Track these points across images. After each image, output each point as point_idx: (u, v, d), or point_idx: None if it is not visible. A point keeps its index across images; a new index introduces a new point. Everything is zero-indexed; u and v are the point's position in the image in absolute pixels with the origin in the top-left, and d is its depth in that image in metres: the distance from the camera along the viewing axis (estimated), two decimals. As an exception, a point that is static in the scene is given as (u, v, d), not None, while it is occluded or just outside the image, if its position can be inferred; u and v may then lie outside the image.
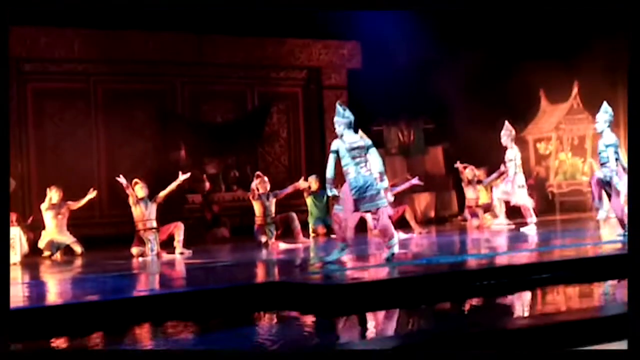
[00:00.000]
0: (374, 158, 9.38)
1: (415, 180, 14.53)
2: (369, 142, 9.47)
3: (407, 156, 18.90)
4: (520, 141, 18.66)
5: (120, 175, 12.25)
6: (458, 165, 15.22)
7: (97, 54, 16.23)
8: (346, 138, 9.29)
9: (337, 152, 9.24)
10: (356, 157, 9.22)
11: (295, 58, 18.40)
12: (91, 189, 13.26)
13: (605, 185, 10.63)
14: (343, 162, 9.25)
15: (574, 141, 18.66)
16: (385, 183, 9.45)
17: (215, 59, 17.56)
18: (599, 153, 10.75)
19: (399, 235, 13.24)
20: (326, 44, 18.64)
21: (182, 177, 12.35)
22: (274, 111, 18.48)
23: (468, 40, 18.20)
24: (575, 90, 18.21)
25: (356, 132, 10.06)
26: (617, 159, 10.58)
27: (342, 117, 9.37)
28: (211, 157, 17.46)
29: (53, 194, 13.02)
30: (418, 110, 19.06)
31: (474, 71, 18.29)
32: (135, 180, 12.22)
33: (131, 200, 12.19)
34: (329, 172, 9.28)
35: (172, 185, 12.31)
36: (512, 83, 17.79)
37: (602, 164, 10.69)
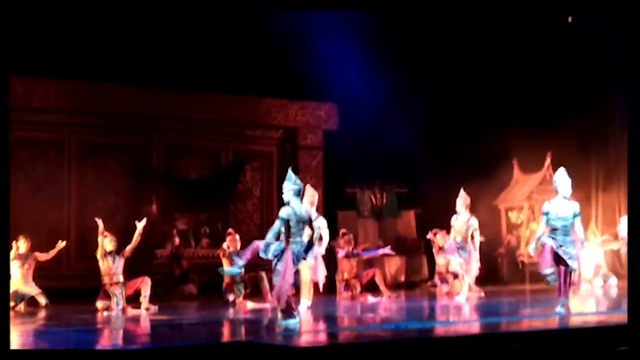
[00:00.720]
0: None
1: (386, 250, 14.52)
2: (313, 215, 9.66)
3: (379, 219, 18.90)
4: (492, 209, 18.80)
5: (100, 220, 12.17)
6: (430, 235, 15.18)
7: (73, 105, 16.18)
8: (294, 206, 9.21)
9: (287, 220, 9.12)
10: (301, 229, 9.19)
11: (272, 117, 18.44)
12: (60, 240, 13.14)
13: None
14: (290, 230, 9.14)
15: (545, 211, 18.73)
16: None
17: (192, 114, 17.54)
18: (556, 220, 10.42)
19: (369, 299, 13.28)
20: (303, 105, 18.71)
21: (140, 225, 12.27)
22: (248, 169, 18.46)
23: (445, 108, 18.39)
24: (548, 161, 18.36)
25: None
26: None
27: (293, 183, 9.30)
28: (183, 212, 17.37)
29: (21, 244, 12.87)
30: (392, 174, 19.14)
31: (450, 138, 18.46)
32: (105, 233, 12.13)
33: (99, 254, 12.09)
34: (273, 236, 9.11)
35: (135, 237, 12.24)
36: (487, 151, 17.94)
37: (564, 231, 10.43)
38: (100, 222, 12.16)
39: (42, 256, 13.10)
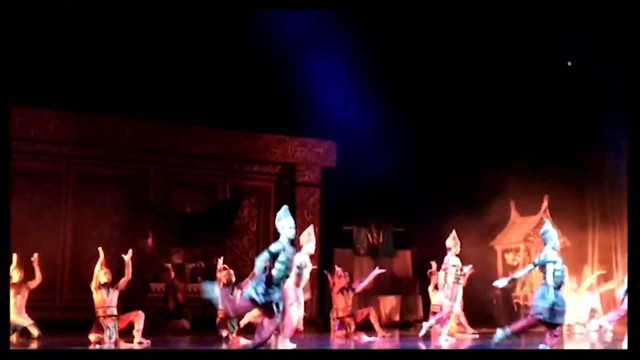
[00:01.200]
0: None
1: (377, 270, 14.34)
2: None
3: (375, 257, 18.83)
4: (488, 250, 18.76)
5: (102, 250, 12.11)
6: (434, 268, 14.95)
7: (72, 136, 16.22)
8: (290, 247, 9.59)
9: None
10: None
11: (270, 153, 18.48)
12: (32, 257, 12.93)
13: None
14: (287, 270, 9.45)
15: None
16: None
17: (191, 149, 17.59)
18: (561, 272, 10.32)
19: (363, 338, 13.21)
20: (303, 142, 18.75)
21: (127, 257, 12.18)
22: (245, 204, 18.45)
23: (443, 149, 18.45)
24: (545, 204, 18.37)
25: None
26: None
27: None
28: (178, 246, 17.33)
29: (14, 274, 12.77)
30: (390, 213, 19.12)
31: (447, 178, 18.48)
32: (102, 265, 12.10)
33: (93, 286, 12.02)
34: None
35: (127, 271, 12.13)
36: (484, 192, 17.96)
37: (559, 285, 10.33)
38: (101, 252, 12.11)
39: (33, 283, 12.97)
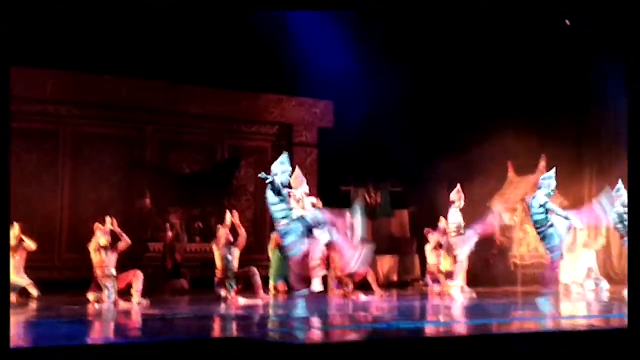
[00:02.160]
0: None
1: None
2: None
3: (372, 217, 18.84)
4: (485, 210, 18.77)
5: (108, 218, 12.15)
6: (442, 224, 14.88)
7: (69, 96, 16.15)
8: None
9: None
10: None
11: (268, 113, 18.42)
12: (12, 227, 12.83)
13: None
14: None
15: (539, 213, 18.70)
16: None
17: (188, 108, 17.52)
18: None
19: (360, 297, 13.29)
20: (300, 101, 18.69)
21: (114, 227, 12.24)
22: (243, 165, 18.44)
23: (440, 108, 18.39)
24: (542, 163, 18.37)
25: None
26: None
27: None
28: (176, 206, 17.34)
29: (11, 235, 12.77)
30: (387, 173, 19.11)
31: (445, 138, 18.46)
32: (97, 226, 12.12)
33: (92, 246, 12.05)
34: None
35: (123, 237, 12.20)
36: (481, 152, 17.94)
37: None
38: (108, 220, 12.15)
39: (27, 246, 13.00)
